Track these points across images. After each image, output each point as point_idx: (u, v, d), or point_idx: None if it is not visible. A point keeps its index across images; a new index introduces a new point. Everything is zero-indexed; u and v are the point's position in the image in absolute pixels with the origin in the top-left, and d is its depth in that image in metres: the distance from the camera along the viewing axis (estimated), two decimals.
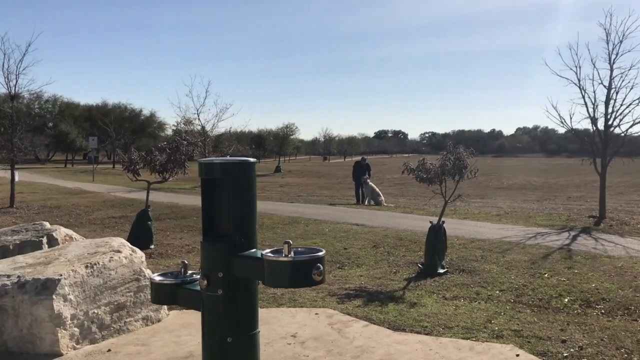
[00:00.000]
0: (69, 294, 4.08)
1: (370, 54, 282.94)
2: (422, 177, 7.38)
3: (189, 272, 2.88)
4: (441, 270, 7.09)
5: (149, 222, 9.53)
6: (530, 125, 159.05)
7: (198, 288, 2.57)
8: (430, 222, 7.45)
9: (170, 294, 2.76)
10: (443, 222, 7.34)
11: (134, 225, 9.59)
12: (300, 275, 2.28)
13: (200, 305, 2.56)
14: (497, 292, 6.27)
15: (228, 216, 2.51)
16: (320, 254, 2.33)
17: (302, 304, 5.64)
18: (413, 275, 7.08)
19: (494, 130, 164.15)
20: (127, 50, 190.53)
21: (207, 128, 27.12)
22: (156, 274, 2.90)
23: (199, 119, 27.08)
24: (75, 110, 71.79)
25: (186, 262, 2.92)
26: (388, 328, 4.84)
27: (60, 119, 63.43)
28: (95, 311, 4.30)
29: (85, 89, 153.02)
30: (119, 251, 4.71)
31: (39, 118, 56.72)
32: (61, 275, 4.10)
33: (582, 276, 6.96)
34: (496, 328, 4.91)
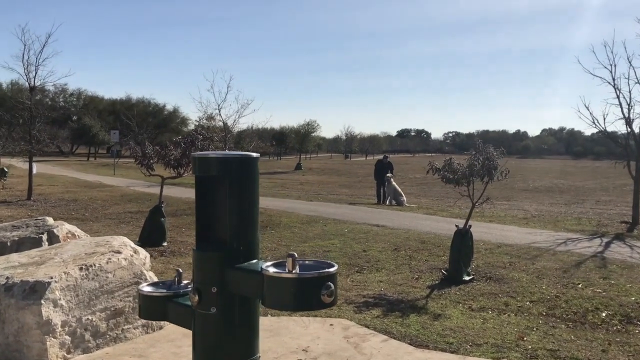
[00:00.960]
0: (60, 299, 3.73)
1: (393, 52, 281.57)
2: (448, 178, 6.91)
3: (184, 282, 2.49)
4: (467, 278, 6.63)
5: (162, 219, 9.22)
6: (556, 127, 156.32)
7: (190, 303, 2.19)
8: (456, 225, 6.98)
9: (160, 308, 2.38)
10: (470, 225, 6.88)
11: (147, 221, 9.30)
12: (306, 295, 1.88)
13: (191, 324, 2.17)
14: (528, 303, 5.80)
15: (225, 220, 2.13)
16: (332, 269, 1.92)
17: (316, 312, 5.22)
18: (436, 282, 6.63)
19: (518, 130, 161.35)
20: (151, 45, 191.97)
21: (229, 124, 26.79)
22: (145, 284, 2.52)
23: (220, 114, 26.76)
24: (100, 104, 72.30)
25: (181, 271, 2.54)
26: (409, 344, 4.40)
27: (85, 112, 63.88)
28: (90, 318, 3.94)
29: (109, 83, 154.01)
30: (118, 252, 4.35)
31: (63, 111, 57.09)
32: (52, 278, 3.74)
33: (620, 288, 6.44)
34: (529, 346, 4.45)
